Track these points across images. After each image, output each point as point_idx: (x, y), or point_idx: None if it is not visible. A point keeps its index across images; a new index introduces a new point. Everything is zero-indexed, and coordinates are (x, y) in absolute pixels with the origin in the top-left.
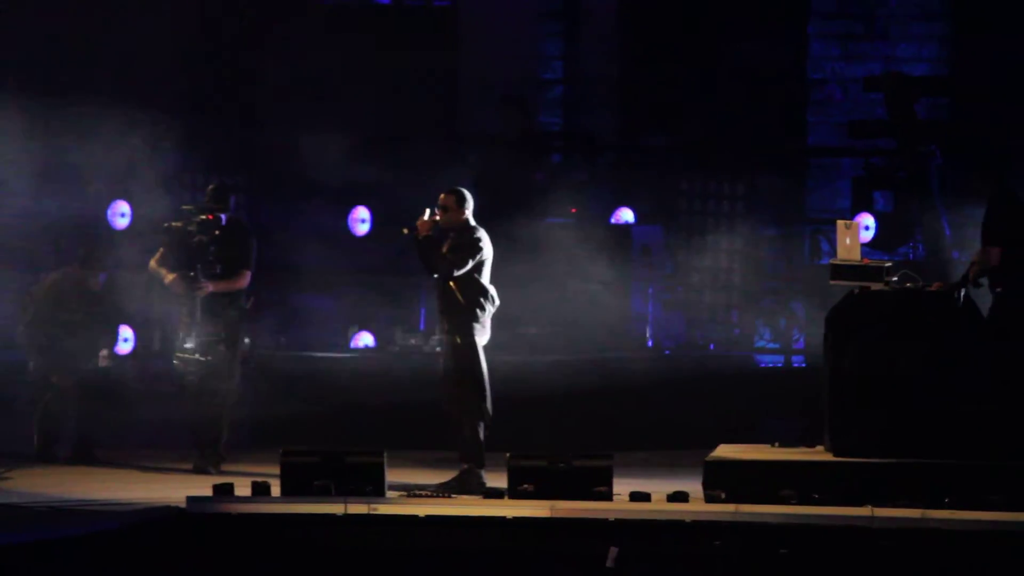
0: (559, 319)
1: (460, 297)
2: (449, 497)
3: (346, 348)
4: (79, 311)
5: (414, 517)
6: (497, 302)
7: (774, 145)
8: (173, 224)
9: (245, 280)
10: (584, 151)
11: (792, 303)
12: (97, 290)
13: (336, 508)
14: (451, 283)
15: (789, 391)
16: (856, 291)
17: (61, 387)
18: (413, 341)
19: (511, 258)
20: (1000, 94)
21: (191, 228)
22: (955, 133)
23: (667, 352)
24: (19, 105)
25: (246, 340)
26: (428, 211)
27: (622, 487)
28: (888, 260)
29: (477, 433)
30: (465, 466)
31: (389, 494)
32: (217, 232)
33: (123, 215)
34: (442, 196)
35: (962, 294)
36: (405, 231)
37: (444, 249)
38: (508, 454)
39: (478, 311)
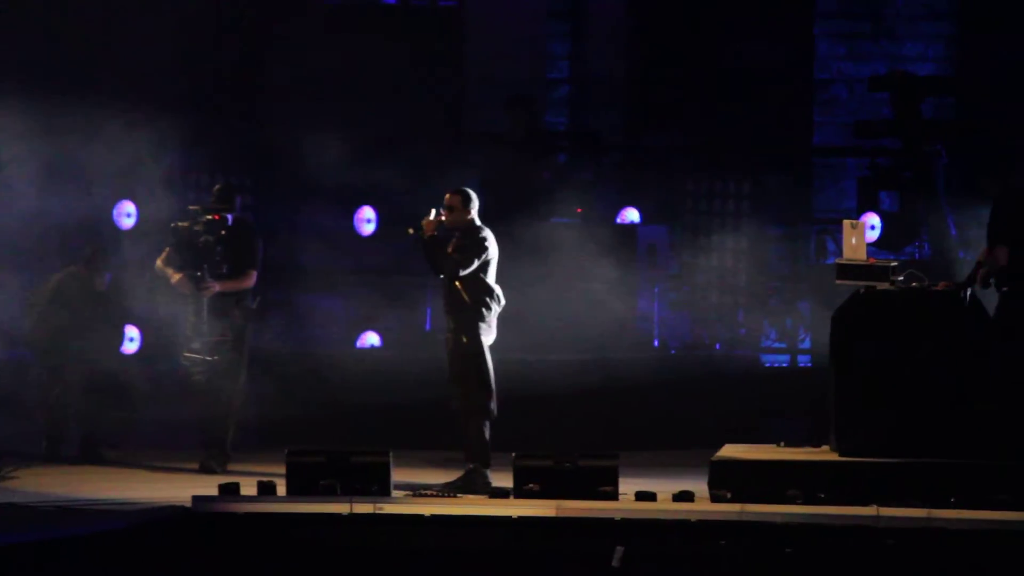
0: (564, 319)
1: (466, 297)
2: (455, 497)
3: (352, 348)
4: (84, 311)
5: (420, 517)
6: (503, 302)
7: (780, 145)
8: (180, 224)
9: (251, 280)
10: (590, 151)
11: (798, 303)
12: (102, 290)
13: (342, 508)
14: (457, 283)
15: (795, 391)
16: (862, 291)
17: (68, 386)
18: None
19: (516, 258)
20: (1006, 94)
21: (197, 228)
22: (961, 133)
23: (673, 352)
24: (24, 106)
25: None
26: (433, 211)
27: (628, 487)
28: (894, 260)
29: (483, 433)
30: (471, 466)
31: (395, 494)
32: (223, 232)
33: (129, 215)
34: (447, 196)
35: (968, 293)
36: (411, 231)
37: (450, 249)
38: (514, 454)
39: (484, 311)
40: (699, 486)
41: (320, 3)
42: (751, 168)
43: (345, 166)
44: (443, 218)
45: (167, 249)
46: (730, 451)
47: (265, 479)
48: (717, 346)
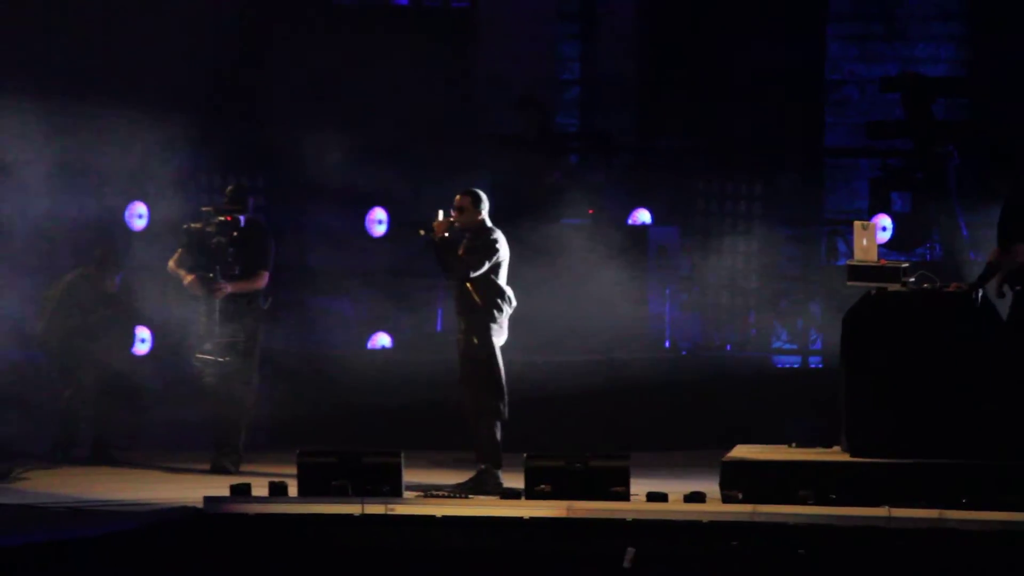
0: (575, 320)
1: (477, 298)
2: (466, 497)
3: (363, 349)
4: (95, 312)
5: (431, 517)
6: (514, 303)
7: (791, 146)
8: (192, 225)
9: (263, 281)
10: (601, 152)
11: (809, 304)
12: (113, 291)
13: (353, 508)
14: (468, 284)
15: (806, 392)
16: (873, 292)
17: (80, 388)
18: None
19: (528, 259)
20: (1018, 94)
21: (210, 229)
22: (973, 133)
23: (684, 353)
24: (36, 108)
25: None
26: (442, 213)
27: (639, 487)
28: (905, 261)
29: (494, 434)
30: (482, 466)
31: (406, 494)
32: (235, 233)
33: (140, 216)
34: (458, 197)
35: (980, 295)
36: (422, 232)
37: (460, 251)
38: (525, 454)
39: (495, 312)
40: (710, 487)
41: (332, 4)
42: (762, 169)
43: (356, 167)
44: (453, 219)
45: (179, 250)
46: (741, 452)
47: (277, 480)
48: (728, 347)
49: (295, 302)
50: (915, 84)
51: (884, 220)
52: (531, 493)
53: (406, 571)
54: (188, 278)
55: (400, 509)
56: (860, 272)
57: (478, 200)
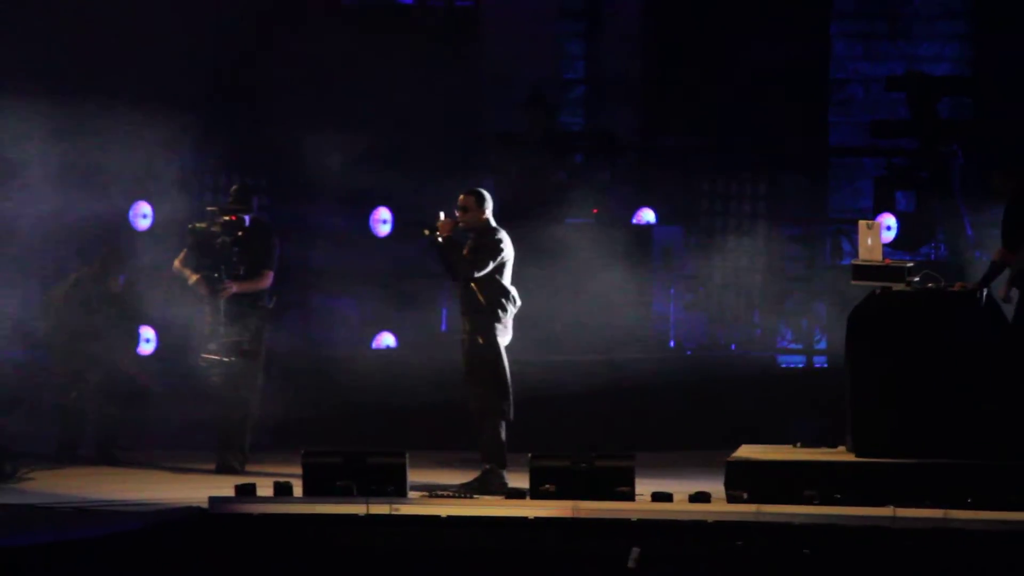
0: (580, 319)
1: (481, 298)
2: (471, 497)
3: (367, 349)
4: (100, 312)
5: (436, 517)
6: (518, 303)
7: (796, 145)
8: (197, 225)
9: (268, 280)
10: (606, 151)
11: (814, 303)
12: (117, 291)
13: (358, 508)
14: (472, 284)
15: (811, 391)
16: (878, 291)
17: (86, 388)
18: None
19: (532, 259)
20: (1022, 93)
21: (215, 229)
22: (977, 133)
23: (688, 352)
24: (41, 108)
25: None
26: (443, 214)
27: (644, 487)
28: (910, 260)
29: (499, 433)
30: (487, 466)
31: (411, 494)
32: (240, 233)
33: (145, 216)
34: (461, 197)
35: (984, 294)
36: (426, 232)
37: (465, 250)
38: (530, 454)
39: (499, 312)
40: (715, 487)
41: (337, 3)
42: (767, 168)
43: (360, 167)
44: (458, 217)
45: (184, 250)
46: (746, 452)
47: (281, 480)
48: (733, 347)
49: (299, 302)
50: (920, 83)
51: (889, 219)
52: (536, 493)
53: (411, 571)
54: (193, 278)
55: (405, 509)
56: (865, 271)
57: (482, 199)
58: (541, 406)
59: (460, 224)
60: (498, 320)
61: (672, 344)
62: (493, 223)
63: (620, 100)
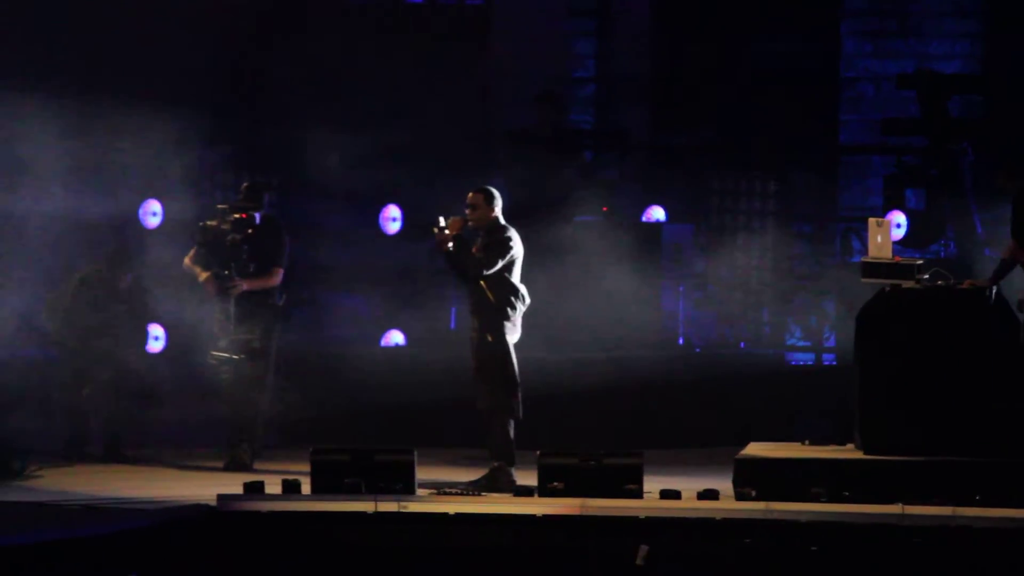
0: (589, 317)
1: (491, 296)
2: (479, 495)
3: (376, 346)
4: (108, 310)
5: (444, 515)
6: (528, 301)
7: (806, 143)
8: (207, 223)
9: (278, 278)
10: (615, 149)
11: (823, 301)
12: (124, 289)
13: (366, 506)
14: (482, 282)
15: (820, 389)
16: (887, 289)
17: (96, 387)
18: None
19: (541, 256)
20: None
21: (225, 227)
22: (988, 131)
23: (698, 350)
24: (51, 105)
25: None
26: (442, 219)
27: (652, 485)
28: (920, 258)
29: (507, 431)
30: (495, 464)
31: (419, 492)
32: (250, 231)
33: (155, 214)
34: (470, 195)
35: (994, 292)
36: (435, 230)
37: (474, 248)
38: (538, 452)
39: (509, 310)
40: (724, 484)
41: (345, 2)
42: (777, 166)
43: (370, 165)
44: (467, 215)
45: (194, 248)
46: (755, 449)
47: (290, 477)
48: (742, 344)
49: (308, 299)
50: (930, 81)
51: (899, 217)
52: (544, 490)
53: (419, 568)
54: (203, 276)
55: (413, 507)
56: (874, 269)
57: (491, 198)
58: (550, 404)
59: (469, 222)
60: (507, 318)
61: (681, 342)
62: (502, 221)
63: (630, 98)
